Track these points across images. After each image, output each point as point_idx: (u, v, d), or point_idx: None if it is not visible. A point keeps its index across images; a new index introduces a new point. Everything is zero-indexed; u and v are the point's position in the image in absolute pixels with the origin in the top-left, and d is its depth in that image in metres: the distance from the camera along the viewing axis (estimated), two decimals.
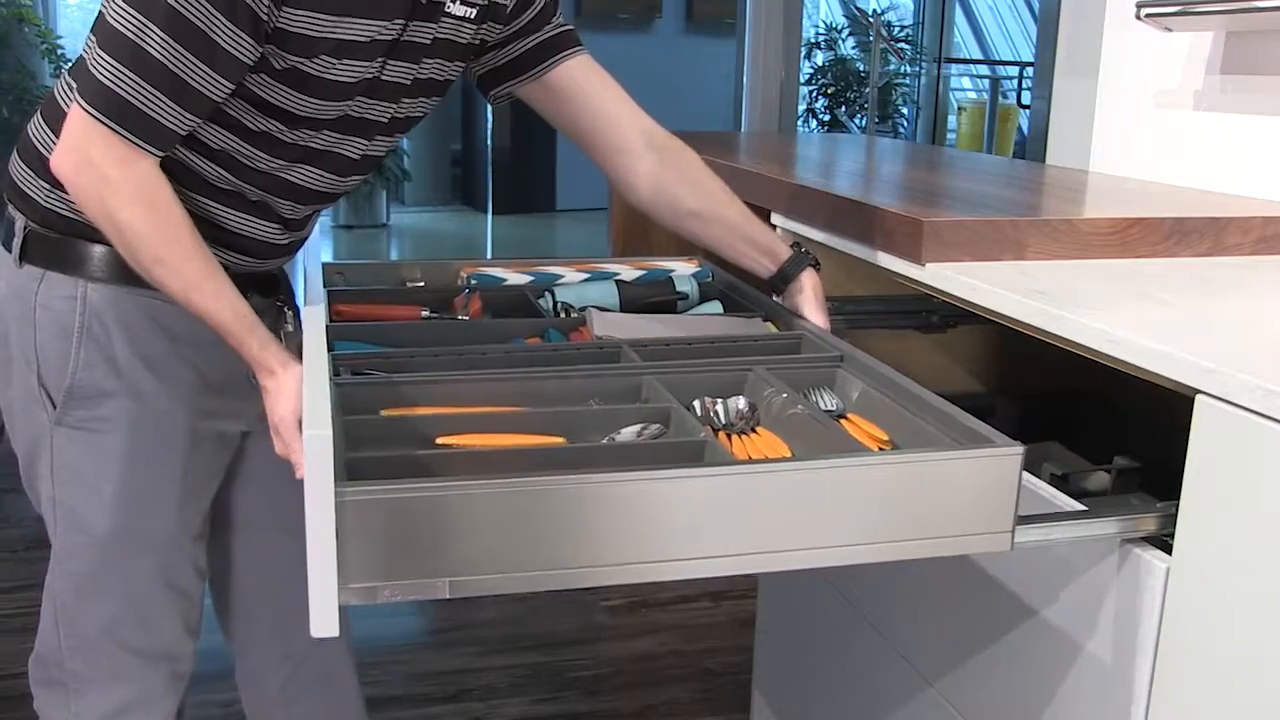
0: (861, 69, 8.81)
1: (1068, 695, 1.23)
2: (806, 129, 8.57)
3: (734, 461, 1.05)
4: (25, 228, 1.27)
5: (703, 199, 1.46)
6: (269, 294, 1.40)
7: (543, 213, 9.11)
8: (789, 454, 1.11)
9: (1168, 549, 1.09)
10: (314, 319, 1.23)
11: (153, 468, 1.34)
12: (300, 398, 1.16)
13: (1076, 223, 1.47)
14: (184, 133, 1.17)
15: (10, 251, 1.28)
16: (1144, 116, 2.05)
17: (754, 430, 1.18)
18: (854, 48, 9.04)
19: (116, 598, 1.35)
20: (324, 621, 0.91)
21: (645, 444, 1.11)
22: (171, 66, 1.11)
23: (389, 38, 1.21)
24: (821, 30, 8.96)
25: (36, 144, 1.26)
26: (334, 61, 1.18)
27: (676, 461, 1.04)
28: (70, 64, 1.27)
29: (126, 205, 1.14)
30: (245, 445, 1.46)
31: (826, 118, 8.75)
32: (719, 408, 1.19)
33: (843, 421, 1.17)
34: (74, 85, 1.15)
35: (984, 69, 9.55)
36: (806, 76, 8.70)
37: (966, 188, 1.78)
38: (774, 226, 1.87)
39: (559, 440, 1.12)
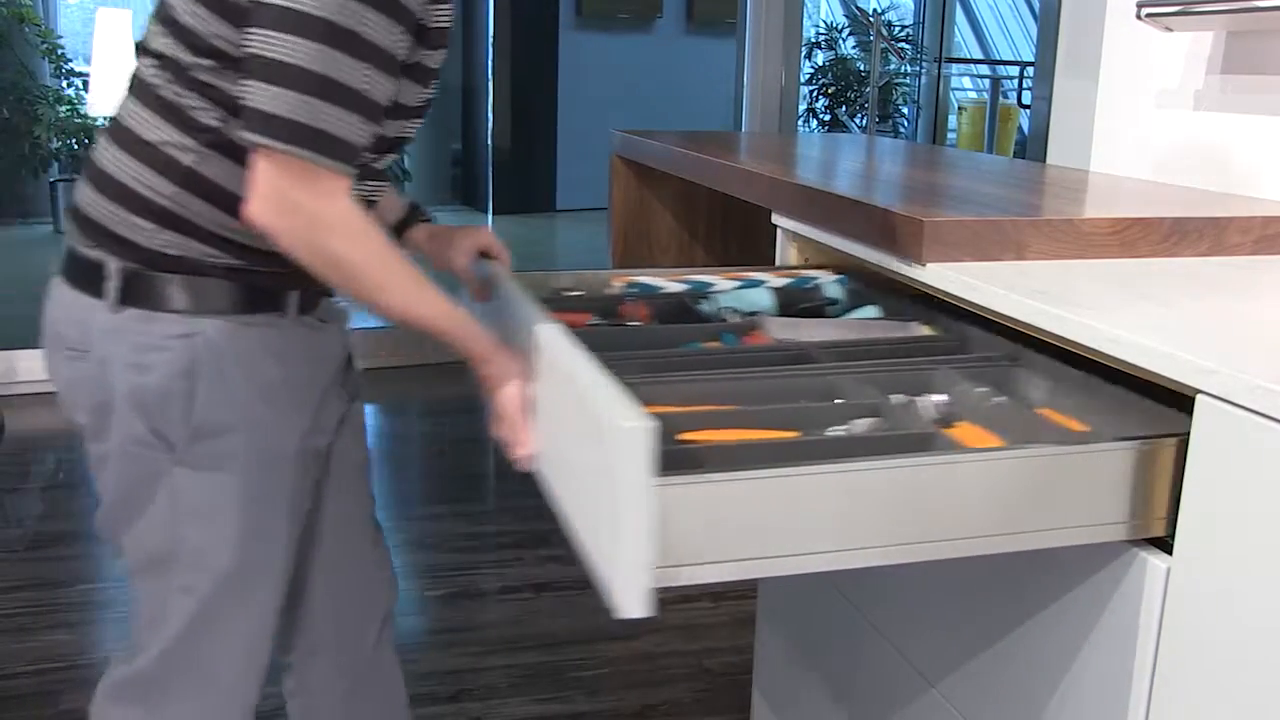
0: (862, 69, 8.81)
1: (1069, 695, 1.23)
2: (807, 129, 8.57)
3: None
4: (122, 270, 1.23)
5: None
6: (334, 294, 1.41)
7: (542, 213, 9.11)
8: (1002, 444, 1.16)
9: (1168, 549, 1.09)
10: (547, 325, 1.23)
11: (270, 497, 1.33)
12: (524, 382, 1.24)
13: (1077, 222, 1.47)
14: (367, 145, 1.17)
15: (103, 297, 1.24)
16: (1144, 116, 2.05)
17: (956, 423, 1.23)
18: (854, 47, 9.03)
19: (232, 628, 1.35)
20: (632, 602, 0.96)
21: (889, 435, 1.17)
22: (346, 80, 1.11)
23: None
24: (822, 30, 8.96)
25: (128, 182, 1.23)
26: (439, 50, 1.23)
27: (921, 449, 1.11)
28: (132, 88, 1.25)
29: (340, 240, 1.15)
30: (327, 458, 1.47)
31: (827, 117, 8.75)
32: (923, 402, 1.24)
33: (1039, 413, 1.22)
34: (242, 127, 1.12)
35: (984, 69, 9.55)
36: (807, 76, 8.70)
37: (967, 187, 1.78)
38: (774, 226, 1.87)
39: (793, 434, 1.17)
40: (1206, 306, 1.24)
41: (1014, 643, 1.32)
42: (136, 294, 1.23)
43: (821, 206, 1.67)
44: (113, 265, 1.23)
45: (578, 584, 2.82)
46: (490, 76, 8.89)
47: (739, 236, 3.01)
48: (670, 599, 2.75)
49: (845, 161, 2.19)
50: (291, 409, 1.32)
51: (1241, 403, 0.97)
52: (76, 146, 6.93)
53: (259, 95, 1.10)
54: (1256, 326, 1.15)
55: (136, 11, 6.42)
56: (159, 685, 1.35)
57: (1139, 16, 1.87)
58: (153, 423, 1.25)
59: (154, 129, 1.21)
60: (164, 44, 1.20)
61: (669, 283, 1.61)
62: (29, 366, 4.22)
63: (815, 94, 8.74)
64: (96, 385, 1.27)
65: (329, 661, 1.56)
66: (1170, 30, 1.92)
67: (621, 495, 0.93)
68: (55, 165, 7.05)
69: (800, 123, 7.88)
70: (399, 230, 1.55)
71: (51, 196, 7.25)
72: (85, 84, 6.64)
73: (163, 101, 1.20)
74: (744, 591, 2.79)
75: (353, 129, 1.13)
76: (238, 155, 1.19)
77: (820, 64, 8.85)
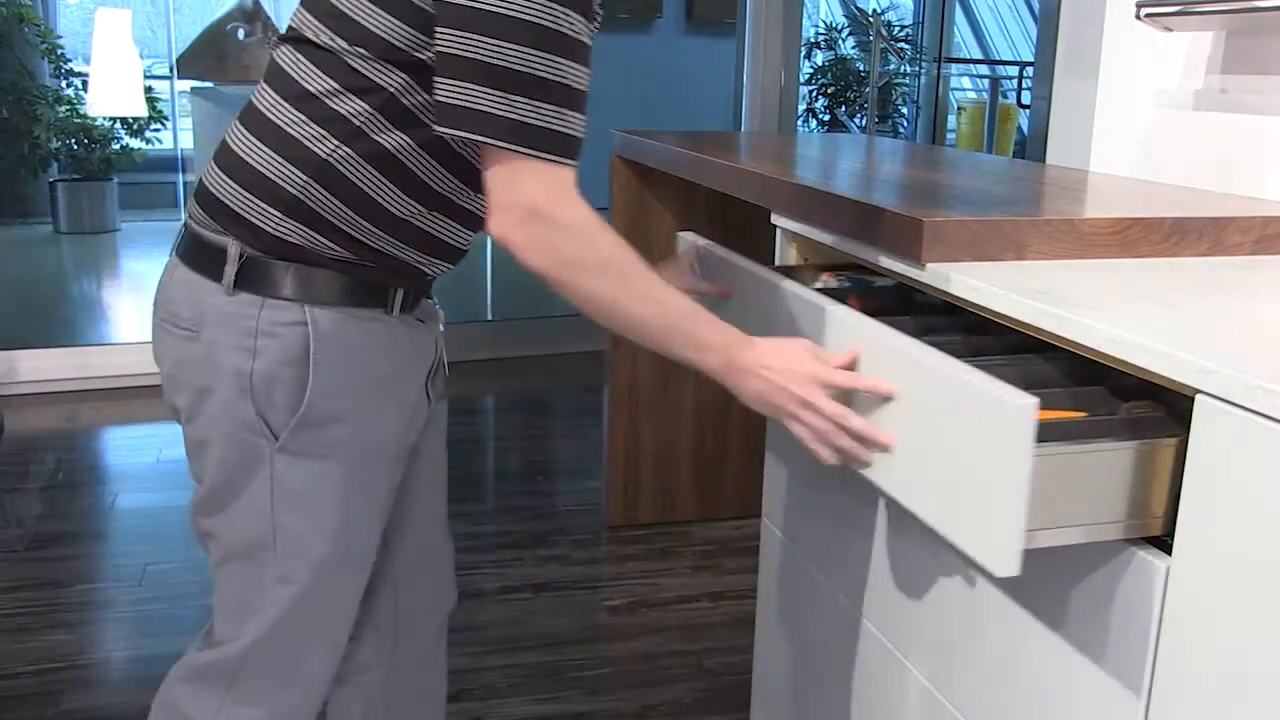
0: (861, 69, 8.81)
1: (1068, 695, 1.23)
2: (806, 129, 8.57)
3: None
4: (242, 255, 1.24)
5: None
6: (431, 295, 1.43)
7: None
8: None
9: (1167, 549, 1.09)
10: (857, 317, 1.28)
11: (368, 490, 1.35)
12: (810, 363, 1.24)
13: (1077, 222, 1.47)
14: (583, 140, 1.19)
15: (220, 280, 1.25)
16: (1144, 116, 2.05)
17: None
18: (854, 47, 9.03)
19: (322, 619, 1.37)
20: (1007, 564, 1.07)
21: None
22: (559, 79, 1.13)
23: None
24: (821, 30, 8.96)
25: (260, 168, 1.24)
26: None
27: None
28: (271, 76, 1.27)
29: (585, 248, 1.18)
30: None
31: (826, 117, 8.75)
32: None
33: None
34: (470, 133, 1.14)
35: (984, 69, 9.54)
36: (806, 76, 8.70)
37: (966, 187, 1.78)
38: (774, 226, 1.87)
39: (1079, 414, 1.20)
40: (1206, 306, 1.23)
41: (1013, 642, 1.32)
42: (251, 279, 1.25)
43: (821, 206, 1.67)
44: (233, 249, 1.25)
45: (577, 584, 2.82)
46: None
47: (738, 236, 3.02)
48: (670, 599, 2.76)
49: (844, 161, 2.19)
50: (392, 404, 1.34)
51: (1241, 402, 0.97)
52: (76, 146, 6.94)
53: (479, 98, 1.12)
54: (1256, 327, 1.15)
55: (136, 11, 6.43)
56: (245, 673, 1.36)
57: (1138, 16, 1.87)
58: (259, 408, 1.26)
59: (288, 116, 1.22)
60: (316, 33, 1.22)
61: (867, 276, 1.66)
62: (30, 366, 4.22)
63: (815, 94, 8.74)
64: (203, 367, 1.28)
65: (386, 653, 1.57)
66: (1170, 30, 1.92)
67: (1004, 467, 1.05)
68: (55, 165, 7.06)
69: (800, 123, 7.88)
70: None
71: (51, 197, 7.26)
72: (85, 84, 6.64)
73: (304, 92, 1.21)
74: (743, 592, 2.80)
75: (574, 124, 1.16)
76: (374, 153, 1.21)
77: (820, 64, 8.85)
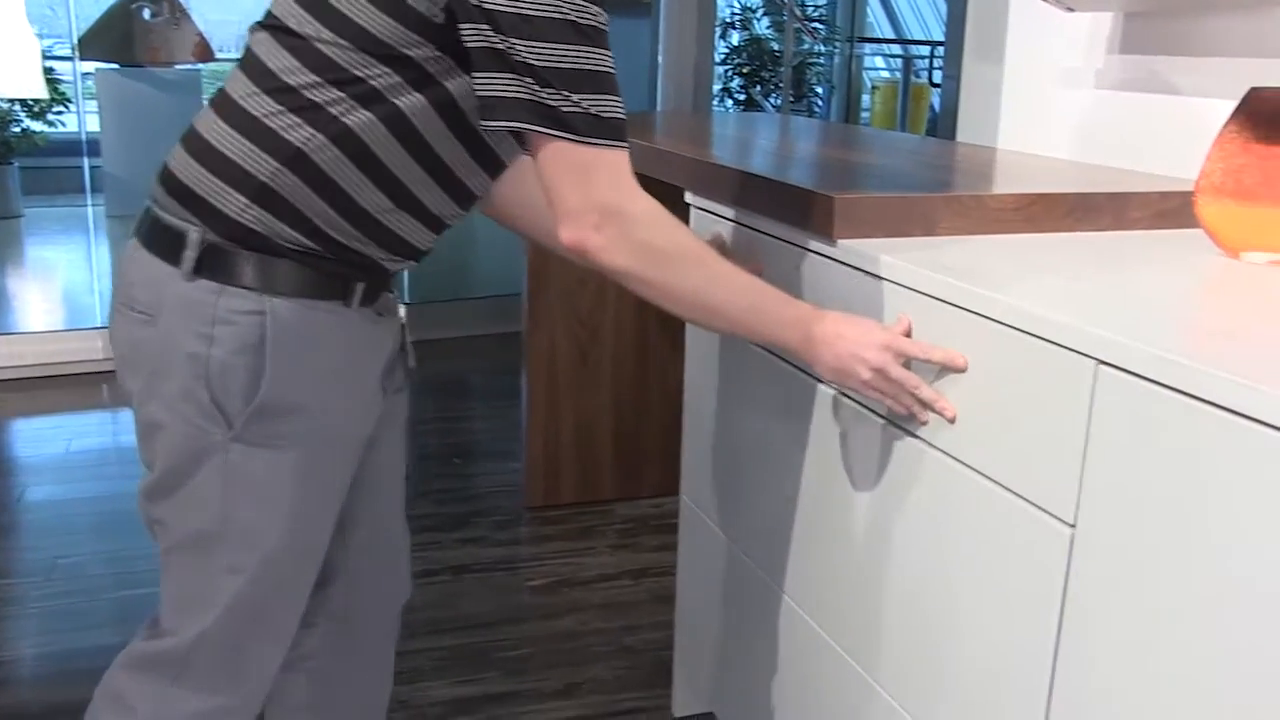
0: (776, 48, 8.84)
1: (980, 660, 1.26)
2: (723, 108, 8.59)
3: None
4: (203, 241, 1.23)
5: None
6: (392, 288, 1.42)
7: None
8: None
9: (1071, 516, 1.12)
10: None
11: (321, 481, 1.33)
12: (881, 331, 1.28)
13: (984, 199, 1.50)
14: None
15: (179, 265, 1.23)
16: (1048, 95, 2.09)
17: None
18: (769, 27, 9.07)
19: (271, 611, 1.36)
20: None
21: None
22: (603, 68, 1.16)
23: None
24: (736, 10, 8.99)
25: (230, 154, 1.22)
26: None
27: None
28: (246, 64, 1.26)
29: (657, 234, 1.20)
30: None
31: (742, 97, 8.78)
32: None
33: None
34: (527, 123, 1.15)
35: (896, 48, 9.64)
36: (722, 56, 8.72)
37: (879, 165, 1.80)
38: (688, 205, 1.89)
39: None
40: (1108, 279, 1.27)
41: (924, 609, 1.35)
42: (211, 266, 1.23)
43: (735, 185, 1.69)
44: (194, 235, 1.23)
45: (498, 565, 2.82)
46: None
47: None
48: (592, 578, 2.77)
49: (760, 140, 2.20)
50: (349, 396, 1.33)
51: (1141, 372, 1.00)
52: None
53: (543, 96, 1.14)
54: (1155, 298, 1.18)
55: None
56: (192, 664, 1.35)
57: None
58: (214, 395, 1.24)
59: (264, 105, 1.21)
60: (299, 22, 1.21)
61: None
62: None
63: (730, 73, 8.76)
64: (159, 352, 1.26)
65: (337, 642, 1.57)
66: (1071, 10, 1.95)
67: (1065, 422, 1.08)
68: None
69: (716, 102, 7.90)
70: None
71: None
72: None
73: (282, 82, 1.20)
74: (664, 569, 2.82)
75: (621, 109, 1.18)
76: (349, 145, 1.21)
77: (735, 44, 8.87)
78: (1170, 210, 1.58)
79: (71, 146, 7.38)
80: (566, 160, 1.16)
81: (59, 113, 6.97)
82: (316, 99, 1.20)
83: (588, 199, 1.16)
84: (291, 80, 1.20)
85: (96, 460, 3.42)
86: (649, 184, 2.94)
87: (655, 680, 2.33)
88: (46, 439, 3.64)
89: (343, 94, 1.19)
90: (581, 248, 1.18)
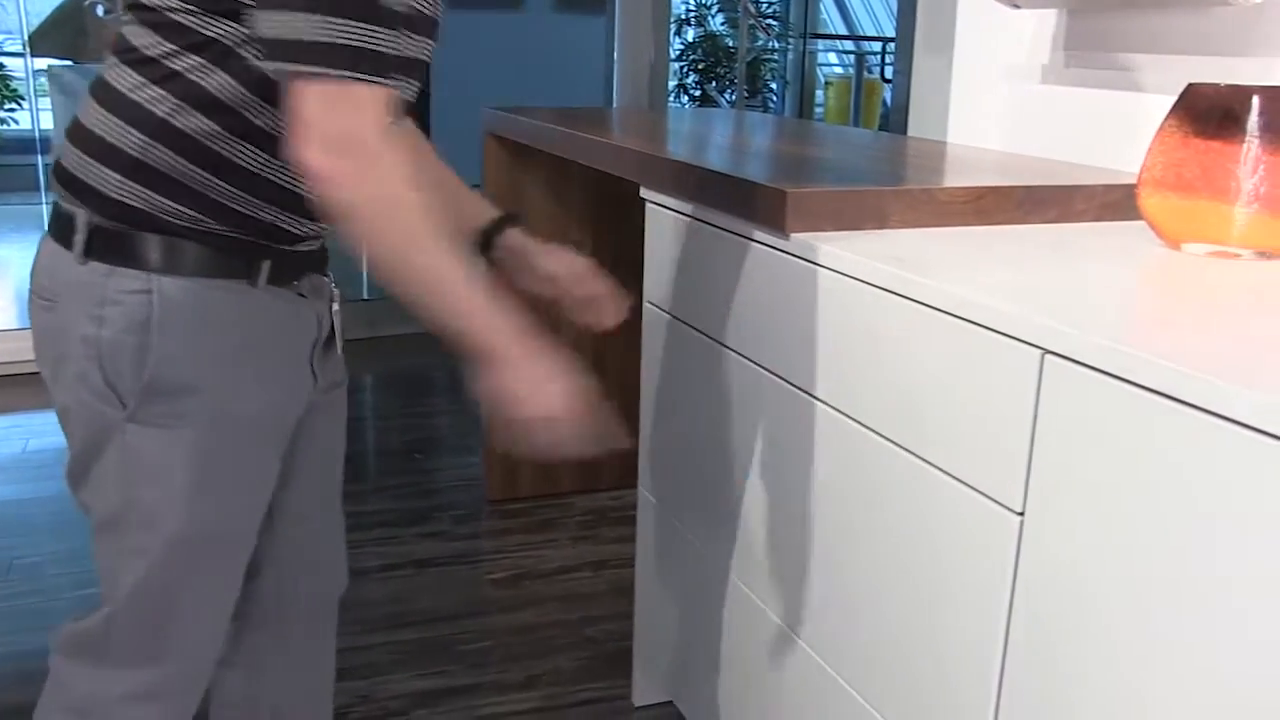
0: (731, 45, 8.88)
1: (933, 645, 1.29)
2: (678, 104, 8.62)
3: None
4: (89, 223, 1.23)
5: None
6: (323, 271, 1.40)
7: None
8: None
9: (1020, 505, 1.14)
10: None
11: (223, 463, 1.31)
12: (557, 395, 1.29)
13: (935, 192, 1.53)
14: (397, 56, 1.17)
15: (71, 249, 1.24)
16: (996, 90, 2.12)
17: None
18: (723, 24, 9.11)
19: (182, 595, 1.34)
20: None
21: None
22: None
23: None
24: (691, 7, 9.01)
25: (101, 133, 1.22)
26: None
27: None
28: (115, 45, 1.24)
29: (384, 169, 1.15)
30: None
31: (698, 93, 8.81)
32: None
33: None
34: (265, 58, 1.13)
35: (849, 44, 9.70)
36: (677, 52, 8.75)
37: (831, 160, 1.82)
38: (643, 200, 1.91)
39: None
40: (1054, 270, 1.29)
41: (878, 596, 1.37)
42: (101, 248, 1.23)
43: (690, 180, 1.71)
44: (81, 218, 1.23)
45: (459, 559, 2.83)
46: None
47: (611, 211, 3.04)
48: (552, 570, 2.78)
49: (714, 136, 2.22)
50: (252, 377, 1.31)
51: (1087, 362, 1.02)
52: None
53: (276, 22, 1.10)
54: (1101, 288, 1.21)
55: None
56: (111, 644, 1.35)
57: None
58: (107, 376, 1.24)
59: (129, 80, 1.20)
60: None
61: None
62: None
63: (685, 70, 8.79)
64: (59, 336, 1.26)
65: (271, 638, 1.57)
66: (1018, 7, 1.99)
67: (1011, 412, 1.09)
68: None
69: (671, 98, 7.93)
70: (486, 242, 1.57)
71: None
72: None
73: (138, 54, 1.20)
74: (624, 560, 2.84)
75: (383, 40, 1.13)
76: (211, 105, 1.19)
77: (690, 40, 8.91)
78: (1114, 203, 1.62)
79: (25, 144, 7.30)
80: (300, 84, 1.11)
81: (11, 110, 6.89)
82: (175, 67, 1.19)
83: (321, 119, 1.11)
84: (152, 53, 1.20)
85: (54, 459, 3.40)
86: (607, 180, 2.95)
87: (615, 670, 2.35)
88: (3, 438, 3.62)
89: (201, 59, 1.19)
90: (305, 169, 1.13)
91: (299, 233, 1.32)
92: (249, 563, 1.48)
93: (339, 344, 1.46)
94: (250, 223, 1.26)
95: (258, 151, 1.24)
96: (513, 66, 8.93)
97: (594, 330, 1.60)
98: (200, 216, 1.24)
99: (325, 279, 1.41)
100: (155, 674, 1.37)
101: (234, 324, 1.28)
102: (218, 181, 1.23)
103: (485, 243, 1.56)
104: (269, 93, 1.21)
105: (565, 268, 1.57)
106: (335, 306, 1.43)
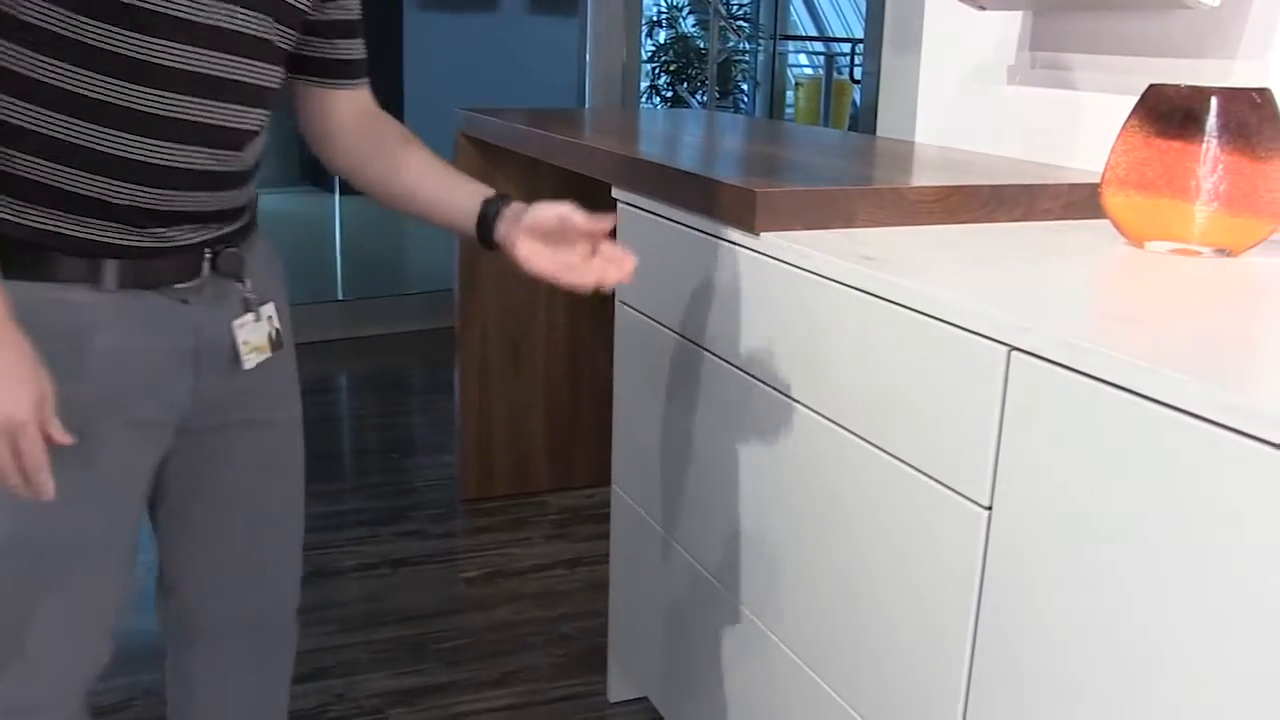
0: (702, 46, 8.91)
1: (902, 638, 1.30)
2: (650, 105, 8.64)
3: None
4: None
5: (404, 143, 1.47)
6: (236, 276, 1.33)
7: None
8: None
9: (987, 499, 1.15)
10: None
11: (60, 469, 1.20)
12: (28, 409, 1.06)
13: (903, 191, 1.55)
14: None
15: None
16: (964, 90, 2.15)
17: None
18: (694, 25, 9.14)
19: (26, 605, 1.26)
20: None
21: None
22: None
23: None
24: (663, 8, 9.05)
25: None
26: None
27: None
28: None
29: None
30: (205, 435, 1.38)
31: (669, 94, 8.84)
32: None
33: None
34: None
35: (819, 45, 9.75)
36: (649, 54, 8.78)
37: (801, 160, 1.84)
38: (614, 200, 1.92)
39: None
40: (1020, 268, 1.31)
41: (849, 590, 1.39)
42: None
43: (661, 180, 1.72)
44: None
45: (435, 557, 2.84)
46: None
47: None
48: (527, 568, 2.80)
49: (685, 136, 2.24)
50: (87, 381, 1.22)
51: (1052, 358, 1.04)
52: None
53: None
54: (1065, 286, 1.23)
55: None
56: None
57: None
58: None
59: None
60: None
61: None
62: None
63: (657, 71, 8.82)
64: None
65: (200, 657, 1.52)
66: (984, 9, 2.01)
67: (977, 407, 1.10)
68: None
69: (643, 99, 7.95)
70: (484, 232, 1.41)
71: None
72: None
73: None
74: (598, 558, 2.85)
75: None
76: (17, 85, 1.12)
77: (661, 42, 8.94)
78: (1079, 201, 1.65)
79: None
80: None
81: None
82: None
83: None
84: None
85: None
86: (580, 181, 2.97)
87: (591, 667, 2.36)
88: None
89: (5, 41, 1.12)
90: None
91: (153, 208, 1.22)
92: (164, 579, 1.45)
93: (243, 360, 1.36)
94: (96, 207, 1.18)
95: (69, 119, 1.16)
96: (486, 68, 8.93)
97: (603, 290, 1.41)
98: (32, 211, 1.18)
99: (243, 285, 1.34)
100: (11, 688, 1.28)
101: (63, 329, 1.20)
102: (40, 161, 1.15)
103: (486, 231, 1.42)
104: (65, 50, 1.12)
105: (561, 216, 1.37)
106: (240, 320, 1.35)
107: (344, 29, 1.41)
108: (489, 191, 1.42)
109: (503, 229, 1.39)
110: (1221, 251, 1.40)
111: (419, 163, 1.45)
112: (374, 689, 2.27)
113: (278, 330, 1.40)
